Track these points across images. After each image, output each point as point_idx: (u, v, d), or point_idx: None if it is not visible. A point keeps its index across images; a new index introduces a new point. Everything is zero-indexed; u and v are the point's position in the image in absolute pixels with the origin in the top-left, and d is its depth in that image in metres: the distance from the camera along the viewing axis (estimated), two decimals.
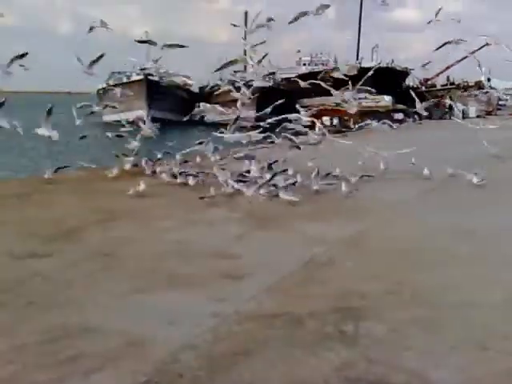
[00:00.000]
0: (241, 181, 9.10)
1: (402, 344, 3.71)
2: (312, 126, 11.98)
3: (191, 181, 9.45)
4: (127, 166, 10.76)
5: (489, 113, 48.72)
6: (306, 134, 10.92)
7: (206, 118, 26.20)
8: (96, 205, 8.02)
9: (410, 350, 3.63)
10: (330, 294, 4.60)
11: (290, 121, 10.61)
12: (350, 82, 10.89)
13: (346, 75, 11.38)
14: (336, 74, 12.11)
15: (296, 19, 9.96)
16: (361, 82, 10.96)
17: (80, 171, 11.34)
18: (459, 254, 5.82)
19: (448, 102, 47.35)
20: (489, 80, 57.45)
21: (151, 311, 4.23)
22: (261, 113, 11.20)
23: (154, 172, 10.41)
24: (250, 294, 4.55)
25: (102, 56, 9.93)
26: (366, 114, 39.37)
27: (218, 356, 3.51)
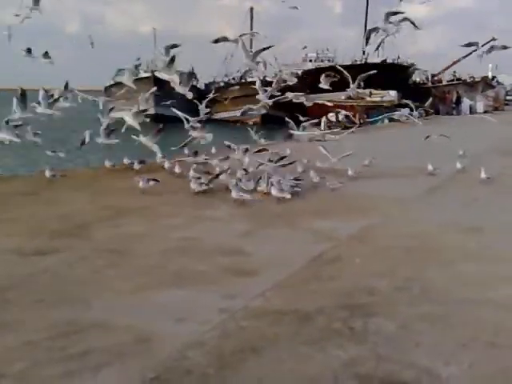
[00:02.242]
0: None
1: (411, 341, 3.69)
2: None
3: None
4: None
5: (496, 108, 48.42)
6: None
7: (215, 115, 26.15)
8: (103, 201, 8.04)
9: (419, 346, 3.61)
10: (338, 291, 4.59)
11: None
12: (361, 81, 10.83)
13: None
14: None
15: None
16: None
17: (86, 168, 11.38)
18: (468, 250, 5.80)
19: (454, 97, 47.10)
20: (494, 77, 57.13)
21: (159, 307, 4.23)
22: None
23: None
24: (259, 291, 4.54)
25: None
26: (371, 108, 39.27)
27: (226, 353, 3.51)
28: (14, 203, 8.02)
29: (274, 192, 8.33)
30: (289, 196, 8.31)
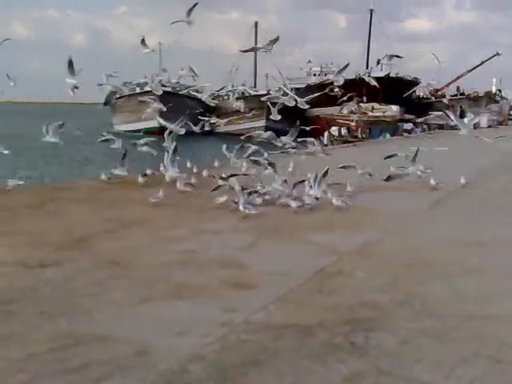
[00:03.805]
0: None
1: (412, 356, 3.68)
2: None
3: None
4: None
5: (500, 123, 48.43)
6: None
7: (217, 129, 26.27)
8: (105, 214, 8.08)
9: (420, 361, 3.60)
10: (340, 305, 4.58)
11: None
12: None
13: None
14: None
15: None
16: None
17: (89, 180, 11.45)
18: (470, 264, 5.79)
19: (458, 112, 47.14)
20: (499, 91, 57.35)
21: (160, 320, 4.24)
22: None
23: None
24: (260, 304, 4.54)
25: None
26: (373, 123, 39.31)
27: (227, 366, 3.51)
28: (19, 215, 8.06)
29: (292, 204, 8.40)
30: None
